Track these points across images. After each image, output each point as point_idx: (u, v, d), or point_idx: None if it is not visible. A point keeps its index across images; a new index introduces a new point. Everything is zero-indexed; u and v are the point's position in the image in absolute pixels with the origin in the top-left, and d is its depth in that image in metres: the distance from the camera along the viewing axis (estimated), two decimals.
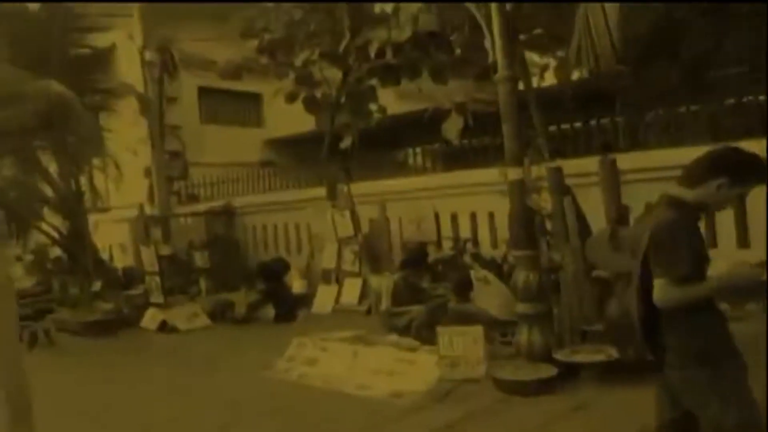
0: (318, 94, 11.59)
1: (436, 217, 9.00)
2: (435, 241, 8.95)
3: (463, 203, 8.73)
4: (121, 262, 12.28)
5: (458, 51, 9.96)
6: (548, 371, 4.66)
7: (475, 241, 8.63)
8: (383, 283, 6.60)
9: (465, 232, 8.80)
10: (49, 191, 10.43)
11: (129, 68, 13.21)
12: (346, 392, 5.03)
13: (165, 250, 9.01)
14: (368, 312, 8.11)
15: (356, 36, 9.58)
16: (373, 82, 11.17)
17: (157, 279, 8.16)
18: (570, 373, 4.72)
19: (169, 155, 13.02)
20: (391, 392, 4.86)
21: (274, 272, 8.24)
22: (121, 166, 10.74)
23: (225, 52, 13.19)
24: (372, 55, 8.90)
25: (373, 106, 11.16)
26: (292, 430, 4.43)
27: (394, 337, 5.98)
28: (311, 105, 11.71)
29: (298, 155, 14.25)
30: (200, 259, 10.23)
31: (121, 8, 12.17)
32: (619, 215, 5.26)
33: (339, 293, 8.55)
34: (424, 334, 5.95)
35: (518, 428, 4.01)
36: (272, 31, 11.30)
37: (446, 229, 8.96)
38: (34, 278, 12.20)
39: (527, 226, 4.94)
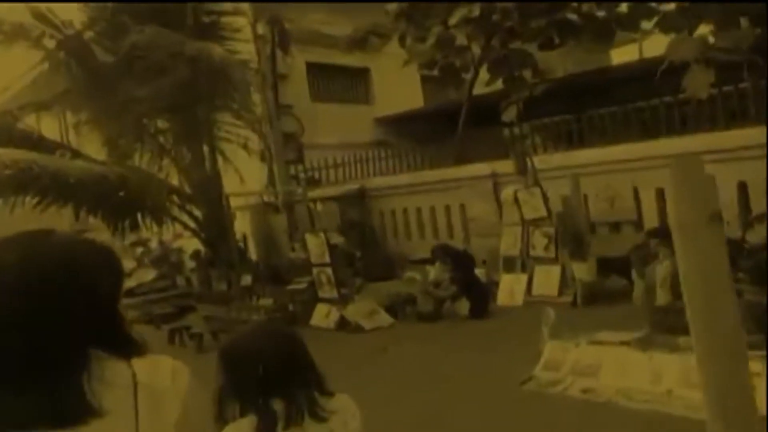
0: (457, 61, 10.43)
1: (635, 192, 7.77)
2: (635, 221, 7.73)
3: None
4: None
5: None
6: None
7: None
8: (657, 272, 5.37)
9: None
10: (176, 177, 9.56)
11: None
12: (677, 414, 3.87)
13: (335, 239, 7.93)
14: (573, 304, 6.94)
15: None
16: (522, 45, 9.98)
17: (328, 271, 7.08)
18: None
19: (283, 137, 12.02)
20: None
21: (466, 259, 7.09)
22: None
23: (339, 25, 12.15)
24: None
25: (526, 73, 9.90)
26: None
27: (683, 338, 4.77)
28: (449, 73, 10.54)
29: (412, 133, 13.10)
30: None
31: None
32: None
33: (529, 283, 7.39)
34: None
35: None
36: None
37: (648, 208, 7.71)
38: (151, 271, 11.43)
39: None
